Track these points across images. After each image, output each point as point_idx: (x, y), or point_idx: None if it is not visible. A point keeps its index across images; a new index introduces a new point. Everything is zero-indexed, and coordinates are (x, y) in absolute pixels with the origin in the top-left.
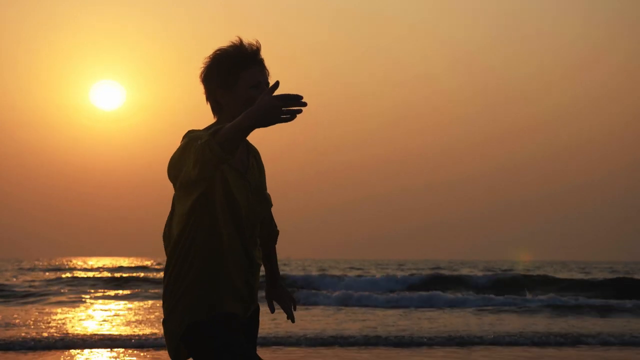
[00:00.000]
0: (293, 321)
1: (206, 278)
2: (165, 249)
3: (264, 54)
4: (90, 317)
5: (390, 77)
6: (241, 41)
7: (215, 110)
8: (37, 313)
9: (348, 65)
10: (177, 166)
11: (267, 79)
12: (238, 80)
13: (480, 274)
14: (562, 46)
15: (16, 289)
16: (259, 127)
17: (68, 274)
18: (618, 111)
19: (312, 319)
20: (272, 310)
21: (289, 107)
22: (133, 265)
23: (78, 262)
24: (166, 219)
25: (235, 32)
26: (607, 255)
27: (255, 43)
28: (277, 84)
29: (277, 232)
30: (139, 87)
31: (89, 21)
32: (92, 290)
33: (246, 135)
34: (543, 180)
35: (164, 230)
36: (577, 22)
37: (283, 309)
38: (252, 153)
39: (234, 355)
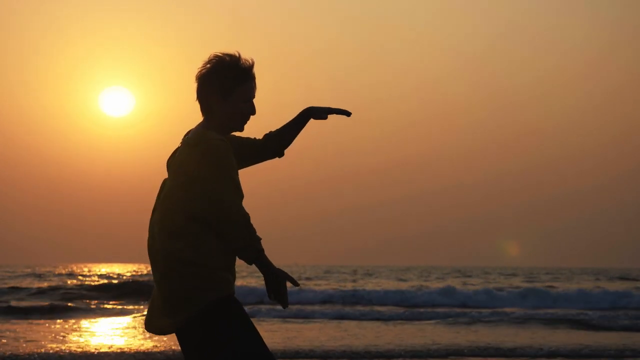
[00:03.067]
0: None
1: (221, 263)
2: (167, 234)
3: (270, 60)
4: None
5: (397, 83)
6: (239, 55)
7: (205, 111)
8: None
9: (354, 71)
10: (205, 178)
11: (254, 93)
12: (234, 93)
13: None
14: (568, 51)
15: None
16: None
17: (74, 281)
18: (626, 114)
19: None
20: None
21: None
22: (141, 272)
23: (86, 268)
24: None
25: (244, 39)
26: (617, 261)
27: (250, 60)
28: (297, 284)
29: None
30: (148, 94)
31: (98, 27)
32: (100, 301)
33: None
34: (552, 184)
35: (162, 213)
36: (583, 26)
37: (334, 112)
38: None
39: (252, 328)
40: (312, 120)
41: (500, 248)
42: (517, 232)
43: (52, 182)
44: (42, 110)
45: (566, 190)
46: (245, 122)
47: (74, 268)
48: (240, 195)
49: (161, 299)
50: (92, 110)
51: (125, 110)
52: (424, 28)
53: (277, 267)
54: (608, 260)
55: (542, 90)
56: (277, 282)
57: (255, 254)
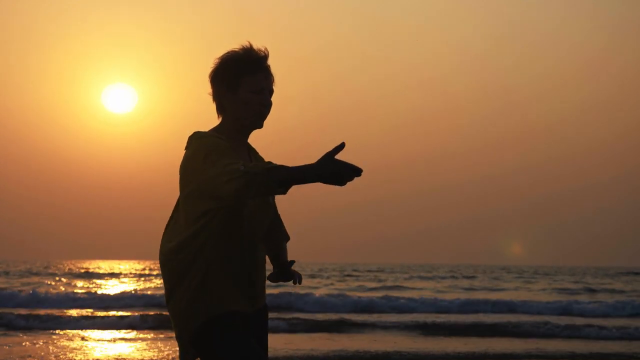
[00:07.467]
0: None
1: (217, 279)
2: (167, 255)
3: (274, 57)
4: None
5: (399, 80)
6: (251, 46)
7: (219, 110)
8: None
9: (357, 68)
10: (194, 172)
11: (271, 85)
12: (241, 85)
13: None
14: (569, 49)
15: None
16: (318, 182)
17: (84, 281)
18: (628, 113)
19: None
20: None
21: (350, 177)
22: (143, 270)
23: (88, 265)
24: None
25: (247, 35)
26: (619, 260)
27: (263, 49)
28: (342, 145)
29: (287, 238)
30: (150, 91)
31: (102, 24)
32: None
33: (301, 184)
34: (554, 182)
35: (165, 242)
36: (584, 25)
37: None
38: (253, 154)
39: (244, 350)
40: (313, 116)
41: (502, 247)
42: (519, 229)
43: (55, 178)
44: (45, 107)
45: (569, 187)
46: (261, 116)
47: (77, 264)
48: (226, 157)
49: None
50: (95, 106)
51: (128, 107)
52: (427, 25)
53: (310, 165)
54: (612, 259)
55: (546, 88)
56: (330, 176)
57: (270, 175)
